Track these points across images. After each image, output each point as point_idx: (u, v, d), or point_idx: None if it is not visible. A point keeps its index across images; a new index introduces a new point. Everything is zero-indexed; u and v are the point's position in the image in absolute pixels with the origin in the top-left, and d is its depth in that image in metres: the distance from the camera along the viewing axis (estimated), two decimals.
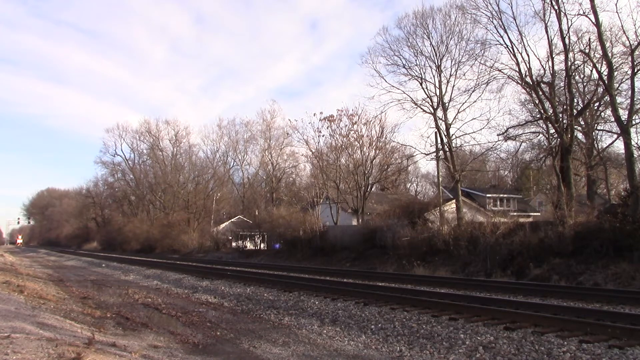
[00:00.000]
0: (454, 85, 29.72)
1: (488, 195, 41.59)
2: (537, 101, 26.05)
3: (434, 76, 30.25)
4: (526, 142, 31.11)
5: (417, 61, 30.68)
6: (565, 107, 25.50)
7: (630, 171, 20.44)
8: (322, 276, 20.50)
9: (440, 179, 31.91)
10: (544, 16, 24.60)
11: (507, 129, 27.87)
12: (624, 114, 21.64)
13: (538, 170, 39.81)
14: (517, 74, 25.69)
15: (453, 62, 29.46)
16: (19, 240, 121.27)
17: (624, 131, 20.90)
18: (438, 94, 30.02)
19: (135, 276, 24.10)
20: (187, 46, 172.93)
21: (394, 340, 8.56)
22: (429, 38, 30.11)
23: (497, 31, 26.03)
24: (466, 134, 29.39)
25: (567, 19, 23.41)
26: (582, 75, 27.97)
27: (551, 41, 24.86)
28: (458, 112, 29.59)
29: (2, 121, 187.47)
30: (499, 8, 25.70)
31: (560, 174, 24.63)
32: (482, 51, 27.23)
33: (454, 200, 30.81)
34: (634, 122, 21.77)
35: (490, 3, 25.86)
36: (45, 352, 5.34)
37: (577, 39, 24.77)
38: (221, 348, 8.15)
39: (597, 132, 30.86)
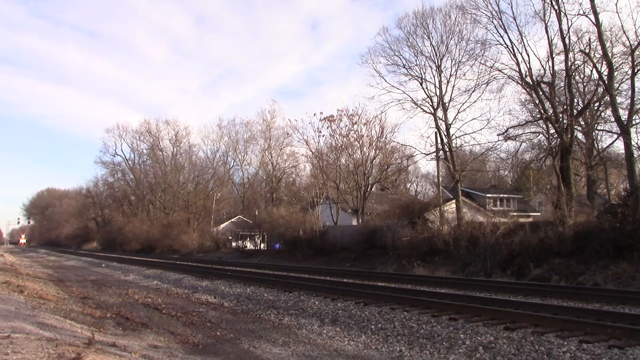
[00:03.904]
0: (454, 85, 29.74)
1: (488, 195, 41.59)
2: (537, 101, 26.04)
3: (434, 76, 30.27)
4: (526, 142, 31.12)
5: (417, 61, 30.71)
6: (565, 107, 25.49)
7: (630, 171, 20.42)
8: (322, 276, 20.50)
9: (440, 179, 31.92)
10: (544, 16, 24.62)
11: (507, 129, 27.89)
12: (624, 114, 21.62)
13: (538, 170, 39.80)
14: (517, 74, 25.70)
15: (453, 62, 29.48)
16: (22, 240, 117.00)
17: (624, 131, 20.89)
18: (438, 94, 30.02)
19: (135, 276, 24.10)
20: (187, 46, 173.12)
21: (394, 340, 8.56)
22: (429, 38, 30.13)
23: (497, 31, 26.05)
24: (466, 134, 29.41)
25: (567, 19, 23.42)
26: (582, 75, 27.95)
27: (551, 41, 24.87)
28: (458, 112, 29.61)
29: (2, 121, 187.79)
30: (499, 8, 25.72)
31: (560, 174, 24.62)
32: (482, 51, 27.25)
33: (454, 200, 30.80)
34: (634, 122, 21.74)
35: (490, 3, 25.88)
36: (45, 352, 5.34)
37: (577, 39, 24.78)
38: (221, 348, 8.15)
39: (597, 132, 30.83)
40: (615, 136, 27.96)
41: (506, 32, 25.83)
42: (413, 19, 30.48)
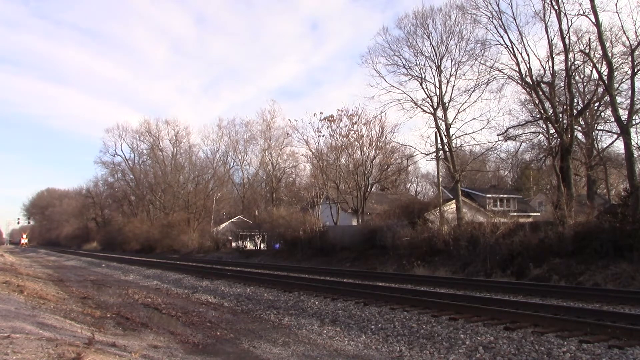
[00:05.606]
0: (454, 85, 29.74)
1: (488, 195, 41.57)
2: (537, 101, 26.05)
3: (434, 76, 30.28)
4: (526, 142, 31.21)
5: (417, 61, 30.71)
6: (565, 107, 25.50)
7: (630, 171, 20.43)
8: (322, 276, 20.50)
9: (440, 179, 31.90)
10: (544, 16, 24.64)
11: (507, 129, 27.94)
12: (624, 114, 21.64)
13: (538, 170, 39.82)
14: (517, 74, 25.71)
15: (453, 62, 29.49)
16: (24, 240, 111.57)
17: (624, 131, 20.90)
18: (438, 94, 30.03)
19: (135, 276, 24.10)
20: (187, 46, 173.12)
21: (394, 340, 8.56)
22: (429, 38, 30.13)
23: (497, 31, 26.08)
24: (466, 134, 29.42)
25: (567, 19, 23.45)
26: (582, 75, 27.99)
27: (551, 41, 24.89)
28: (458, 112, 29.62)
29: (2, 121, 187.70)
30: (499, 8, 25.75)
31: (560, 174, 24.62)
32: (482, 51, 27.27)
33: (454, 200, 30.80)
34: (634, 122, 21.76)
35: (490, 3, 25.91)
36: (45, 352, 5.34)
37: (577, 39, 24.82)
38: (221, 348, 8.14)
39: (597, 132, 30.90)
40: (615, 136, 28.02)
41: (506, 32, 25.89)
42: (413, 19, 30.53)
